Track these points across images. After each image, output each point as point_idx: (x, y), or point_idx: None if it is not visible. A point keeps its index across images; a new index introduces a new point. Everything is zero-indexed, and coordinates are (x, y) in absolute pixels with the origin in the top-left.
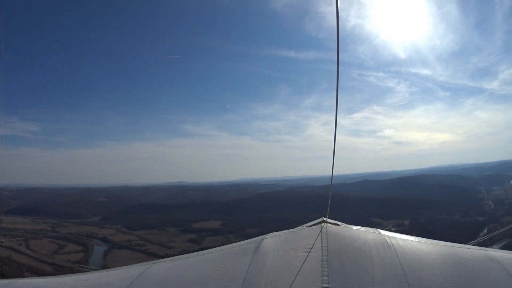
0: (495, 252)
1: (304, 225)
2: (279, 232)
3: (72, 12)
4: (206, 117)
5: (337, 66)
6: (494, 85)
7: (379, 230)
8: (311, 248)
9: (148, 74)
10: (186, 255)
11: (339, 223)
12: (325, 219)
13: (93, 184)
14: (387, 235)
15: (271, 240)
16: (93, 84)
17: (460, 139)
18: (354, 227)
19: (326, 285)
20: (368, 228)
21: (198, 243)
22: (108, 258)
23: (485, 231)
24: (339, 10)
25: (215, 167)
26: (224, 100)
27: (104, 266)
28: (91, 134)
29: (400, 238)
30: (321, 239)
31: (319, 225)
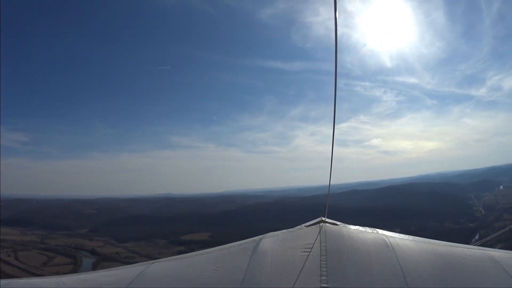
0: (494, 252)
1: (303, 225)
2: (277, 231)
3: (60, 22)
4: (192, 128)
5: (335, 76)
6: (481, 91)
7: (378, 230)
8: (310, 248)
9: (135, 85)
10: (184, 255)
11: (338, 222)
12: (323, 218)
13: (81, 196)
14: (386, 235)
15: (270, 240)
16: (81, 94)
17: (448, 146)
18: (353, 227)
19: (325, 285)
20: (366, 228)
21: None
22: (96, 270)
23: (476, 237)
24: (337, 17)
25: (203, 179)
26: (210, 112)
27: None
28: (79, 145)
29: (398, 238)
30: (320, 238)
31: (318, 225)
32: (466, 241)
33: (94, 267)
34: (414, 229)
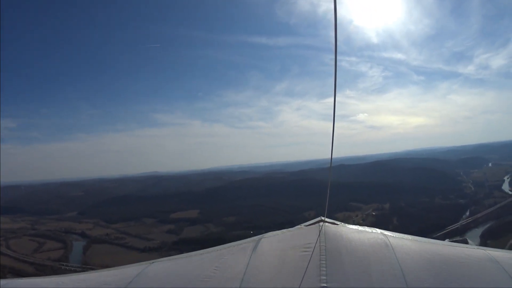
0: (494, 252)
1: (302, 224)
2: (277, 231)
3: (42, 6)
4: (177, 105)
5: (335, 58)
6: (469, 69)
7: (377, 229)
8: (309, 248)
9: (118, 64)
10: (184, 255)
11: (337, 222)
12: (323, 218)
13: (69, 178)
14: (385, 235)
15: (269, 240)
16: (65, 76)
17: (435, 122)
18: (352, 227)
19: (325, 285)
20: (366, 228)
21: (177, 233)
22: (88, 254)
23: (467, 213)
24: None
25: (189, 156)
26: (195, 88)
27: (84, 263)
28: (65, 128)
29: (398, 238)
30: (319, 238)
31: (317, 225)
32: (457, 217)
33: (85, 251)
34: (404, 205)
